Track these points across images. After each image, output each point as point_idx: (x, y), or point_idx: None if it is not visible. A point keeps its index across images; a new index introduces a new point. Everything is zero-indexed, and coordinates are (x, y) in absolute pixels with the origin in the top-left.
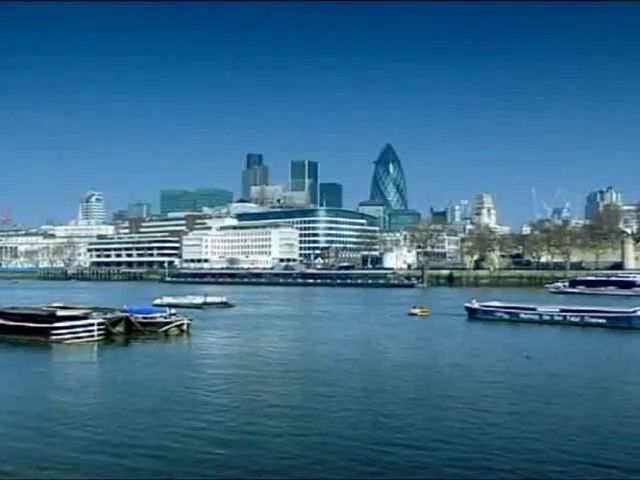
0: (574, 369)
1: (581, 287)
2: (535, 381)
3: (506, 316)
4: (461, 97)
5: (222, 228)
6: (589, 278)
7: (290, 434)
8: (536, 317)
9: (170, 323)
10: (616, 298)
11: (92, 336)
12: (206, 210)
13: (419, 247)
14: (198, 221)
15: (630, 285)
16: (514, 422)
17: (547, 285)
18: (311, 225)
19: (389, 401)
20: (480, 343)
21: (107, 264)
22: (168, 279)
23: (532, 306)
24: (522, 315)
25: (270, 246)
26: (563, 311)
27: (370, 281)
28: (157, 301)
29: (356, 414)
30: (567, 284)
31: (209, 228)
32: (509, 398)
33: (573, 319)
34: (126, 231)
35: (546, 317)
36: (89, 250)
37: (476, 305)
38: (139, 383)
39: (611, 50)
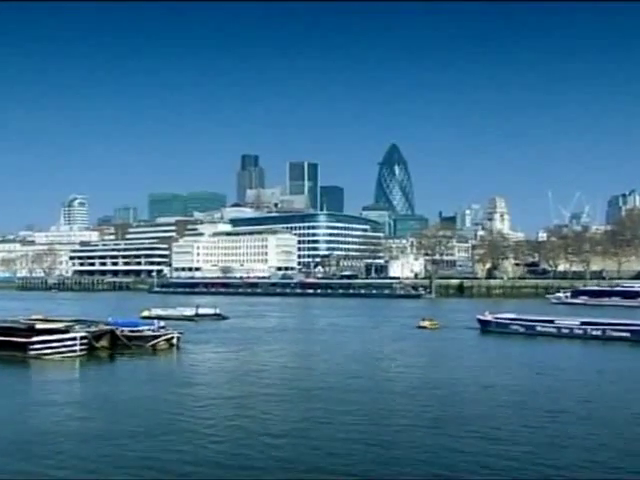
0: (601, 390)
1: (584, 298)
2: (562, 404)
3: (521, 329)
4: (472, 94)
5: (215, 234)
6: (592, 288)
7: (287, 461)
8: (554, 330)
9: (158, 337)
10: (621, 309)
11: (74, 351)
12: (198, 215)
13: (427, 255)
14: (189, 227)
15: (635, 295)
16: (535, 458)
17: (548, 295)
18: (311, 231)
19: (398, 426)
20: (494, 359)
21: (91, 273)
22: (157, 289)
23: (550, 318)
24: (539, 328)
25: (267, 254)
26: (584, 324)
27: (374, 291)
28: (145, 313)
29: (362, 441)
30: (569, 294)
31: (201, 234)
32: (531, 426)
33: (594, 333)
34: (111, 237)
35: (565, 330)
36: (71, 258)
37: (489, 317)
38: (124, 403)
39: (637, 48)
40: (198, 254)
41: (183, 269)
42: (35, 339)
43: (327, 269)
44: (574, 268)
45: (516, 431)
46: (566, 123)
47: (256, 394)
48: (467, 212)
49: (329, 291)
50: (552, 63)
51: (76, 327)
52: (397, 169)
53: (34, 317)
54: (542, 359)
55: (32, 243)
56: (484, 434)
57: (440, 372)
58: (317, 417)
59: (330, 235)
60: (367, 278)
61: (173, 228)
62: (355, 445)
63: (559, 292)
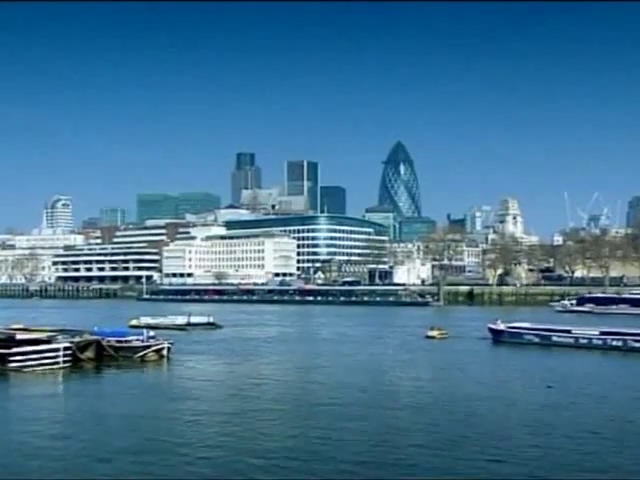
0: (630, 407)
1: (590, 305)
2: (588, 423)
3: (536, 339)
4: (482, 88)
5: (208, 238)
6: (598, 295)
7: None
8: (571, 340)
9: (148, 347)
10: (629, 317)
11: (57, 363)
12: (190, 217)
13: (434, 260)
14: (181, 230)
15: None
16: None
17: (552, 303)
18: (310, 234)
19: (406, 446)
20: (509, 372)
21: (75, 279)
22: (146, 296)
23: (567, 328)
24: (555, 338)
25: (263, 258)
26: (603, 334)
27: (378, 299)
28: (133, 322)
29: (365, 464)
30: (574, 302)
31: (193, 238)
32: (554, 447)
33: (614, 343)
34: (98, 241)
35: (583, 341)
36: (54, 263)
37: (501, 327)
38: (110, 420)
39: None
40: (190, 259)
41: (174, 275)
42: (15, 350)
43: (328, 275)
44: (592, 274)
45: (540, 457)
46: (583, 119)
47: (252, 410)
48: (477, 214)
49: (330, 298)
50: (569, 56)
51: (59, 337)
52: (402, 168)
53: (14, 327)
54: (560, 371)
55: (12, 247)
56: (503, 457)
57: (451, 386)
58: (317, 435)
59: (331, 239)
60: (371, 285)
61: (163, 231)
62: (357, 468)
63: (564, 299)
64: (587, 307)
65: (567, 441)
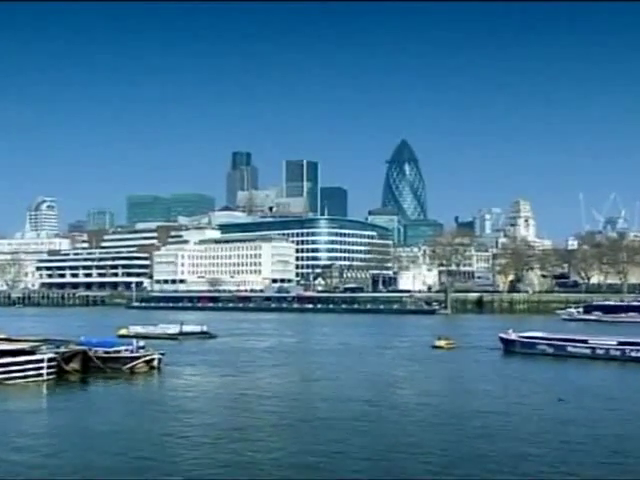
0: None
1: (597, 313)
2: (610, 441)
3: (550, 350)
4: (492, 85)
5: (202, 242)
6: (607, 303)
7: None
8: (588, 351)
9: (137, 358)
10: (638, 326)
11: (40, 375)
12: (182, 220)
13: (441, 265)
14: (173, 233)
15: None
16: None
17: (558, 311)
18: (310, 238)
19: (414, 467)
20: (522, 385)
21: (61, 286)
22: (136, 304)
23: (583, 338)
24: (570, 349)
25: (260, 264)
26: (621, 344)
27: (382, 306)
28: (122, 331)
29: None
30: (581, 310)
31: (186, 242)
32: (565, 467)
33: (634, 354)
34: (84, 245)
35: (600, 351)
36: (38, 269)
37: (513, 336)
38: (97, 437)
39: None
40: (183, 264)
41: (166, 281)
42: None
43: (329, 281)
44: (609, 280)
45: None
46: (599, 117)
47: (249, 426)
48: (487, 217)
49: (331, 306)
50: (587, 54)
51: (43, 348)
52: (407, 168)
53: None
54: (577, 384)
55: None
56: (520, 478)
57: (460, 400)
58: (319, 453)
59: (332, 243)
60: (374, 292)
61: (154, 235)
62: None
63: (570, 307)
64: (595, 315)
65: (587, 459)
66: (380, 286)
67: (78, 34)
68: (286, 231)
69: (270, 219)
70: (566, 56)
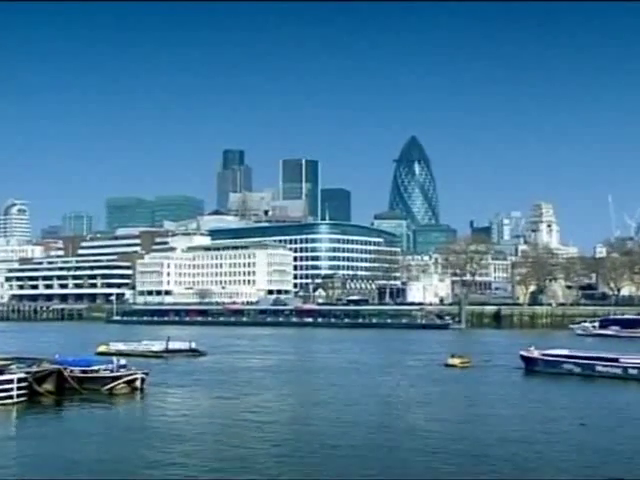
0: None
1: (615, 328)
2: None
3: (577, 369)
4: (511, 79)
5: (190, 249)
6: (625, 317)
7: None
8: (619, 371)
9: (118, 378)
10: None
11: (10, 398)
12: (168, 225)
13: (455, 275)
14: (157, 240)
15: None
16: None
17: (572, 326)
18: (310, 245)
19: None
20: (547, 409)
21: (33, 298)
22: (117, 318)
23: (613, 356)
24: (599, 368)
25: (254, 273)
26: None
27: (389, 320)
28: (101, 348)
29: None
30: (597, 324)
31: (172, 249)
32: None
33: None
34: (59, 253)
35: (633, 371)
36: (8, 279)
37: (536, 354)
38: (72, 467)
39: None
40: (168, 274)
41: (150, 293)
42: None
43: (330, 293)
44: None
45: None
46: (627, 113)
47: (242, 456)
48: (505, 222)
49: (332, 320)
50: (614, 53)
51: (13, 367)
52: (417, 168)
53: None
54: (611, 407)
55: None
56: None
57: (477, 425)
58: None
59: (334, 250)
60: (380, 304)
61: (137, 242)
62: None
63: (585, 322)
64: (612, 330)
65: None
66: (387, 298)
67: (49, 34)
68: (283, 237)
69: (265, 224)
70: (596, 53)
